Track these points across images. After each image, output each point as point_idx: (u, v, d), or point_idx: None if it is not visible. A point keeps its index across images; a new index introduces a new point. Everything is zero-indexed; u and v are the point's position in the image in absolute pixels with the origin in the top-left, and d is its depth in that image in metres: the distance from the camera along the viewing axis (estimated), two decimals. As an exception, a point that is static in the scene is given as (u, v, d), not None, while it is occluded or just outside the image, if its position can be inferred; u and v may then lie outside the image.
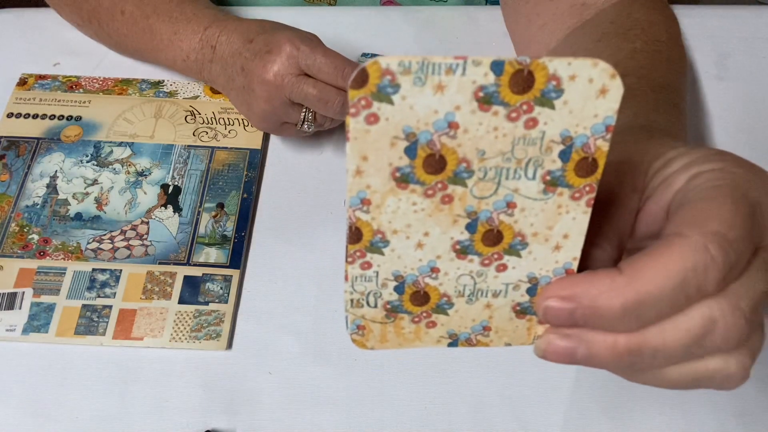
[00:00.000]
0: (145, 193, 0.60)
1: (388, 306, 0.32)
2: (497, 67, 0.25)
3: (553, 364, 0.52)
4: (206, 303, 0.55)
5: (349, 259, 0.30)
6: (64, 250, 0.57)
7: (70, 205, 0.59)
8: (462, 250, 0.30)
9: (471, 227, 0.29)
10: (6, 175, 0.61)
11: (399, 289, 0.31)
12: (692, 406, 0.51)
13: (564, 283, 0.28)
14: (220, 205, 0.60)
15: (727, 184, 0.29)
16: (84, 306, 0.54)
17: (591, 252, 0.30)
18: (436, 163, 0.27)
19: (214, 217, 0.59)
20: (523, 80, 0.26)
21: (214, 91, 0.66)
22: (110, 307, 0.54)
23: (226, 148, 0.63)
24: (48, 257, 0.57)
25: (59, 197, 0.60)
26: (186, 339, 0.53)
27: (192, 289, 0.55)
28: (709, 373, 0.29)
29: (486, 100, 0.26)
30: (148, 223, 0.59)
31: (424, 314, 0.32)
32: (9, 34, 0.71)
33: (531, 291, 0.31)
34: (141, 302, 0.55)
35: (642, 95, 0.47)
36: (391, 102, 0.25)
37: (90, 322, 0.54)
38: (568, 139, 0.27)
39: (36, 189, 0.60)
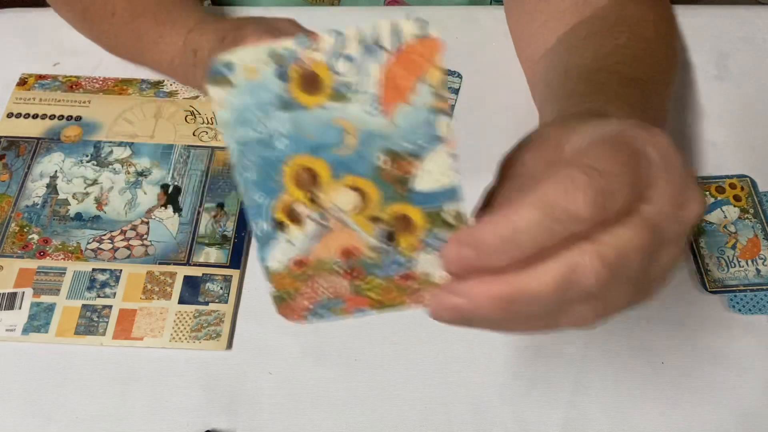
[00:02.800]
0: (145, 193, 0.60)
1: None
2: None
3: (555, 364, 0.52)
4: (206, 303, 0.55)
5: None
6: (64, 250, 0.57)
7: (70, 205, 0.59)
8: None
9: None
10: (6, 175, 0.61)
11: None
12: (692, 406, 0.51)
13: (458, 232, 0.30)
14: (220, 205, 0.60)
15: (608, 136, 0.31)
16: (84, 306, 0.54)
17: None
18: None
19: (214, 217, 0.59)
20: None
21: (214, 91, 0.66)
22: (110, 307, 0.54)
23: (226, 148, 0.63)
24: (48, 257, 0.57)
25: (59, 197, 0.60)
26: (186, 339, 0.53)
27: (192, 289, 0.55)
28: (569, 318, 0.31)
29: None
30: (148, 223, 0.59)
31: None
32: (9, 34, 0.71)
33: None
34: (141, 302, 0.55)
35: (610, 89, 0.48)
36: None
37: (90, 322, 0.54)
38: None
39: (36, 189, 0.60)
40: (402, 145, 0.30)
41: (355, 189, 0.30)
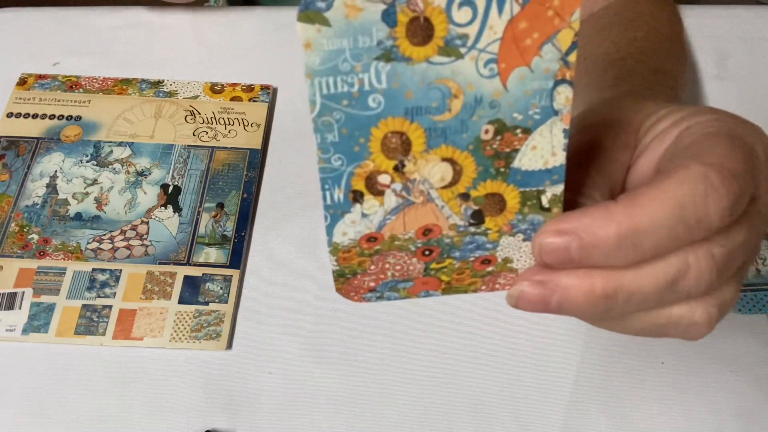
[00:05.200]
0: (145, 193, 0.60)
1: None
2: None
3: (555, 364, 0.52)
4: (206, 303, 0.55)
5: None
6: (64, 250, 0.57)
7: (70, 205, 0.59)
8: None
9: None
10: (6, 175, 0.61)
11: None
12: (692, 406, 0.51)
13: (557, 219, 0.26)
14: (220, 205, 0.60)
15: (722, 130, 0.28)
16: (84, 306, 0.54)
17: (582, 202, 0.29)
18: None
19: (214, 217, 0.59)
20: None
21: (214, 91, 0.66)
22: (110, 307, 0.54)
23: (226, 148, 0.63)
24: (48, 257, 0.57)
25: (59, 197, 0.60)
26: (186, 339, 0.53)
27: (192, 289, 0.55)
28: (673, 320, 0.28)
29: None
30: (148, 223, 0.59)
31: None
32: (9, 34, 0.71)
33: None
34: (141, 302, 0.55)
35: (639, 76, 0.47)
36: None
37: (90, 322, 0.54)
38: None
39: (36, 189, 0.60)
40: (512, 116, 0.25)
41: (449, 161, 0.26)
